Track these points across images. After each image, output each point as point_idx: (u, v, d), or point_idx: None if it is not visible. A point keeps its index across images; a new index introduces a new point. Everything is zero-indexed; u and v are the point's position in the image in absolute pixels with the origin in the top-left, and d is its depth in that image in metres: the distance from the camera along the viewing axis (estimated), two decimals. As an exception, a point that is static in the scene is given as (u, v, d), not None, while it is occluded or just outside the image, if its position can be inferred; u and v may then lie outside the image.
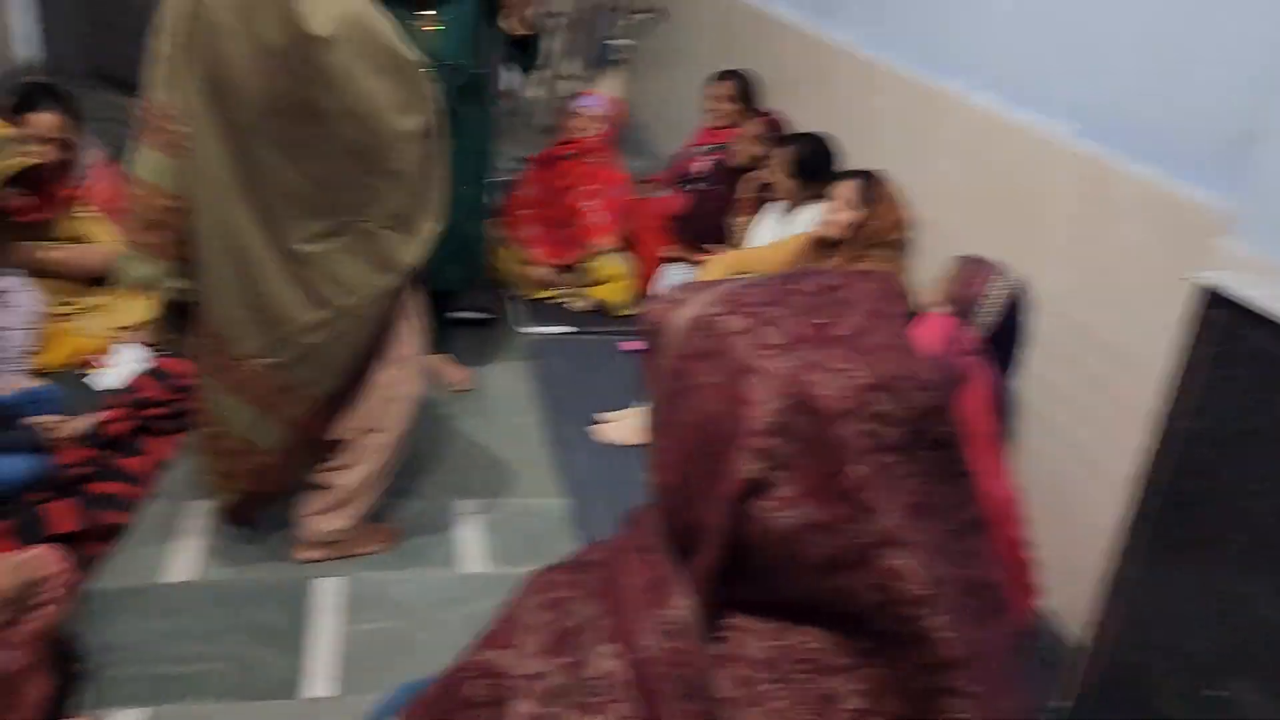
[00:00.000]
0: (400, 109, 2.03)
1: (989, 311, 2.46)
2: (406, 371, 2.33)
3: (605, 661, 0.86)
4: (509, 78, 5.58)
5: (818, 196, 3.36)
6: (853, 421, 0.80)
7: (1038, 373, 2.49)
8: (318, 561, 2.47)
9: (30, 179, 2.99)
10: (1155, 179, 2.16)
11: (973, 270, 2.52)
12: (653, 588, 0.88)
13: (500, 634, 0.99)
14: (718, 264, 3.39)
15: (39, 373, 3.06)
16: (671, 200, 4.40)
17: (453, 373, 3.38)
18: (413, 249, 2.13)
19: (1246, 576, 1.66)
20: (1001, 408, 2.40)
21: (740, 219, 3.80)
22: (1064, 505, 2.38)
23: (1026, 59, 2.63)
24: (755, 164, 3.83)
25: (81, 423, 2.73)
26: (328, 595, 2.39)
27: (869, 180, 3.00)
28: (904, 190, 3.04)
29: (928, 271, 2.91)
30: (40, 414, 2.68)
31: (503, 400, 3.37)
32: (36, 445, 2.54)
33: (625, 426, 3.15)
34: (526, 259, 4.04)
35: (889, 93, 3.28)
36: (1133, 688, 1.88)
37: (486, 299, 3.88)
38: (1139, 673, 1.88)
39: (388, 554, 2.55)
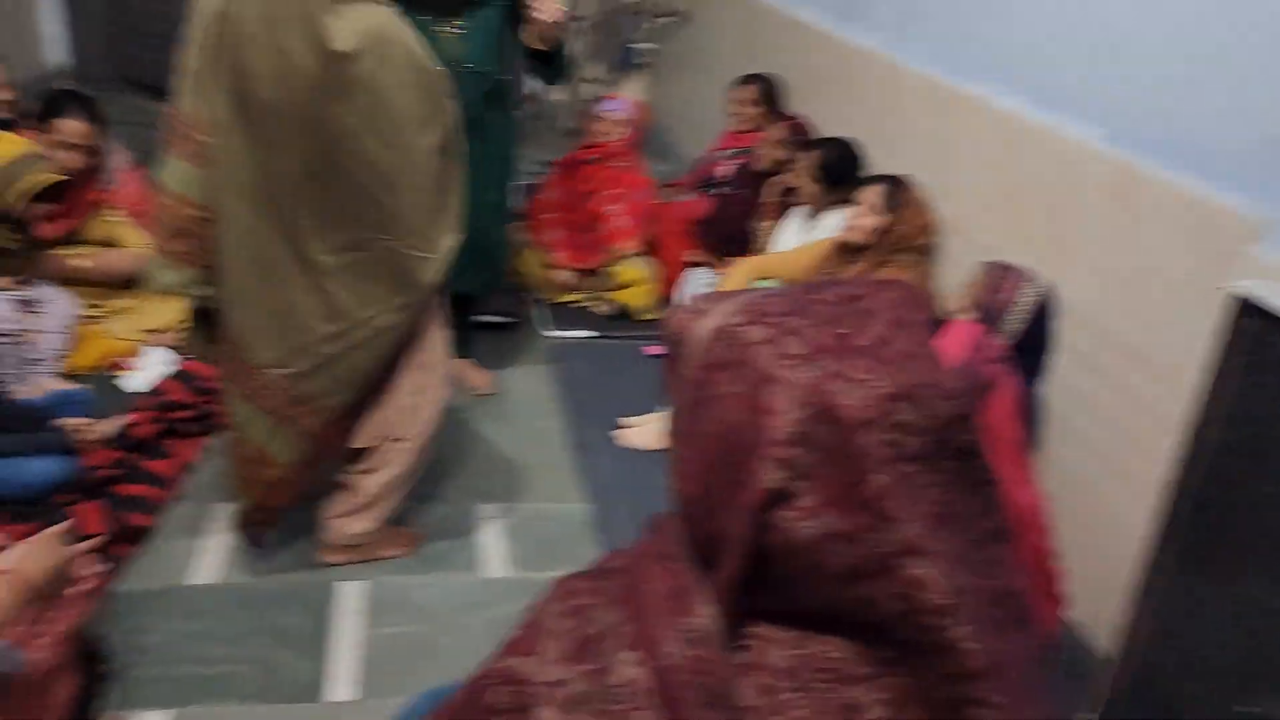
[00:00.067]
0: (421, 125, 2.05)
1: (1016, 318, 2.45)
2: (432, 377, 2.34)
3: (628, 669, 0.87)
4: (533, 82, 5.62)
5: (842, 201, 3.36)
6: (874, 431, 0.80)
7: (1064, 380, 2.48)
8: (341, 565, 2.48)
9: (57, 187, 3.04)
10: (1185, 185, 2.15)
11: (1000, 276, 2.51)
12: (675, 596, 0.89)
13: (522, 641, 1.00)
14: (741, 269, 3.39)
15: (68, 375, 3.11)
16: (695, 204, 4.40)
17: (475, 376, 3.40)
18: (432, 267, 2.15)
19: (1278, 588, 1.64)
20: (1028, 415, 2.39)
21: (764, 223, 3.80)
22: (1091, 513, 2.37)
23: (1055, 62, 2.62)
24: (779, 168, 3.83)
25: (109, 425, 2.76)
26: (350, 599, 2.41)
27: (894, 185, 2.99)
28: (929, 195, 3.03)
29: (954, 278, 2.90)
30: (69, 416, 2.72)
31: (525, 404, 3.38)
32: (65, 447, 2.58)
33: (648, 431, 3.16)
34: (550, 263, 4.06)
35: (914, 96, 3.28)
36: (1160, 700, 1.87)
37: (510, 303, 3.90)
38: (1167, 685, 1.86)
39: (410, 558, 2.57)
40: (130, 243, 3.41)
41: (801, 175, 3.45)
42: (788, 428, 0.80)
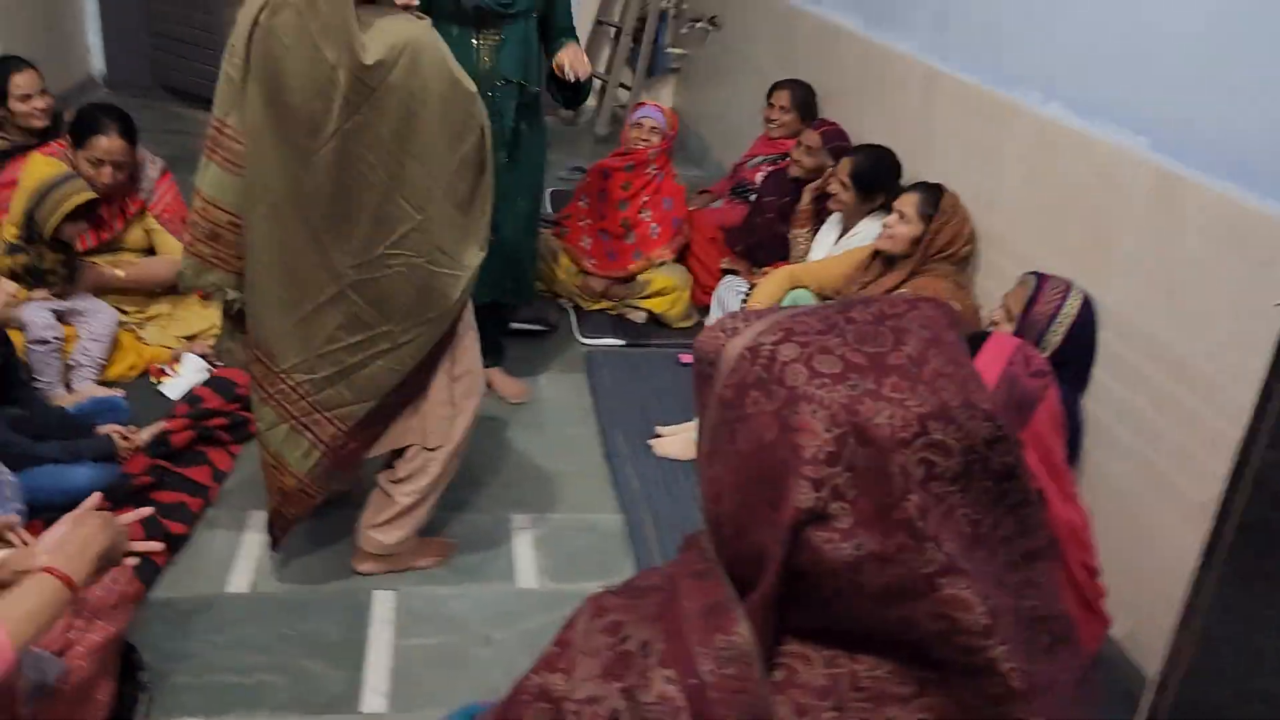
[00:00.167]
0: (453, 139, 2.07)
1: (1057, 330, 2.43)
2: (465, 386, 2.36)
3: (662, 686, 0.87)
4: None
5: (879, 209, 3.35)
6: (909, 451, 0.80)
7: (1106, 392, 2.46)
8: (374, 574, 2.50)
9: (93, 203, 3.10)
10: (1230, 193, 2.12)
11: (1040, 287, 2.49)
12: (710, 613, 0.89)
13: (556, 658, 1.00)
14: (775, 277, 3.38)
15: (106, 382, 3.16)
16: (728, 211, 4.40)
17: (508, 385, 3.42)
18: (458, 283, 2.17)
19: (1328, 609, 1.61)
20: (1070, 429, 2.37)
21: (798, 231, 3.79)
22: (1134, 529, 2.34)
23: (1097, 68, 2.59)
24: (813, 175, 3.82)
25: (146, 432, 2.81)
26: (382, 609, 2.44)
27: (931, 193, 2.97)
28: (967, 203, 3.01)
29: (992, 288, 2.89)
30: (108, 423, 2.77)
31: (558, 413, 3.40)
32: (104, 454, 2.62)
33: (683, 440, 3.16)
34: (583, 270, 4.07)
35: (952, 102, 3.26)
36: (1207, 723, 1.84)
37: (543, 310, 3.92)
38: (1212, 710, 1.83)
39: (442, 568, 2.58)
40: (166, 250, 3.47)
41: (837, 182, 3.44)
42: (820, 447, 0.80)
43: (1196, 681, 1.88)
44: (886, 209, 3.12)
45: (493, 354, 3.35)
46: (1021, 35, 2.94)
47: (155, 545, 1.74)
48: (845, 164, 3.42)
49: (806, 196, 3.78)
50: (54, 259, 3.08)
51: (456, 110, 2.07)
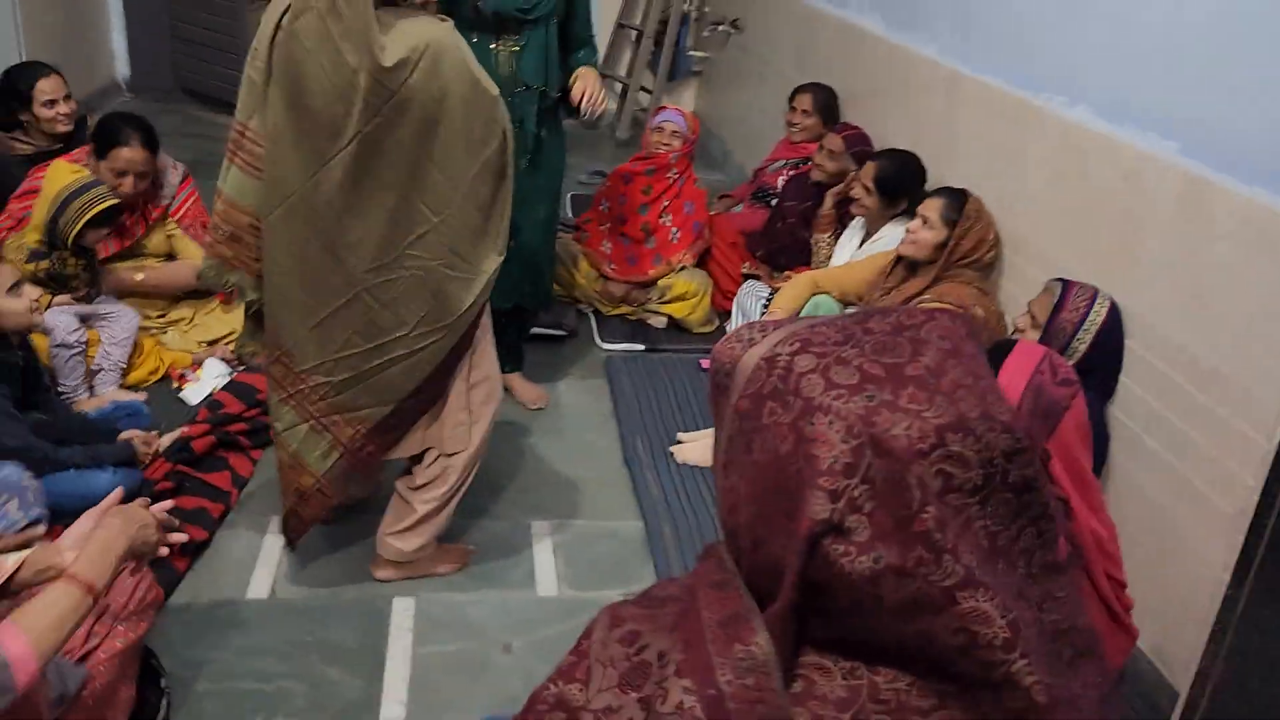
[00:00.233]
0: (473, 144, 2.08)
1: (1083, 338, 2.41)
2: (483, 393, 2.36)
3: (679, 696, 0.87)
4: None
5: (902, 214, 3.33)
6: (926, 462, 0.81)
7: (1134, 401, 2.43)
8: (393, 581, 2.51)
9: (115, 209, 3.13)
10: (1260, 198, 2.10)
11: (1066, 294, 2.46)
12: (729, 623, 0.90)
13: (573, 668, 1.01)
14: (797, 283, 3.36)
15: (128, 386, 3.18)
16: (750, 216, 4.39)
17: (527, 390, 3.42)
18: (473, 289, 2.17)
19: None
20: (1097, 438, 2.34)
21: (820, 235, 3.77)
22: (1163, 541, 2.32)
23: (1124, 71, 2.57)
24: (835, 179, 3.81)
25: (168, 437, 2.83)
26: (401, 616, 2.44)
27: (955, 198, 2.95)
28: (992, 209, 2.99)
29: (1017, 295, 2.86)
30: (129, 427, 2.79)
31: (577, 418, 3.40)
32: (125, 460, 2.64)
33: (704, 447, 3.14)
34: (603, 274, 4.07)
35: (976, 106, 3.24)
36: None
37: (562, 315, 3.92)
38: (1241, 722, 1.81)
39: (461, 575, 2.58)
40: (186, 255, 3.50)
41: (860, 187, 3.43)
42: (837, 458, 0.81)
43: (1227, 697, 1.85)
44: (910, 214, 3.10)
45: (512, 359, 3.35)
46: (1047, 38, 2.92)
47: (182, 536, 1.77)
48: (869, 169, 3.41)
49: (829, 201, 3.77)
50: (76, 264, 3.11)
51: (478, 113, 2.06)
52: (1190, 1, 2.34)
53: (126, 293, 3.36)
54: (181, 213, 3.55)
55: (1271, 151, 2.10)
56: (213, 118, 6.05)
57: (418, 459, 2.37)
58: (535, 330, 3.66)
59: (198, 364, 3.33)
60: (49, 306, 2.99)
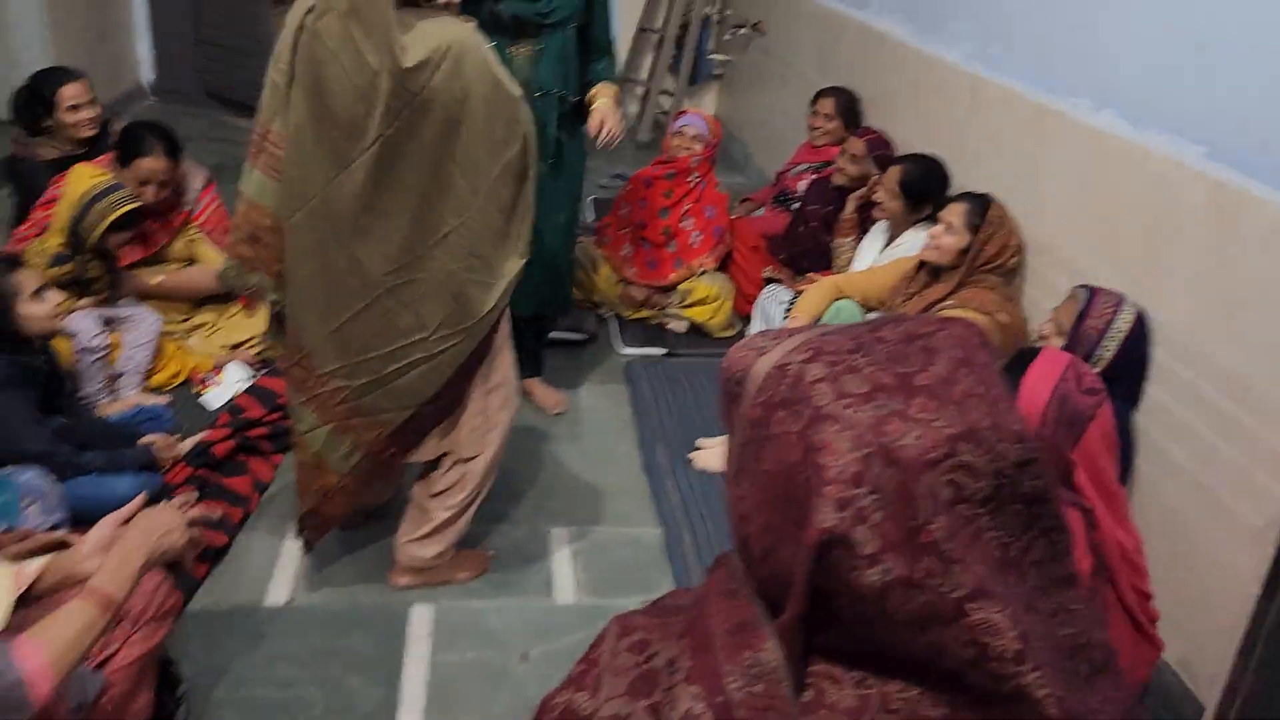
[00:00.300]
0: (495, 146, 2.07)
1: (1109, 345, 2.38)
2: (500, 398, 2.36)
3: (689, 703, 0.87)
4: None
5: (925, 219, 3.30)
6: (935, 472, 0.80)
7: (1160, 411, 2.40)
8: (411, 588, 2.50)
9: (136, 213, 3.14)
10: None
11: (1091, 301, 2.43)
12: (739, 630, 0.90)
13: (583, 676, 1.01)
14: (818, 288, 3.34)
15: (150, 389, 3.20)
16: (771, 219, 4.37)
17: (547, 396, 3.41)
18: (494, 292, 2.18)
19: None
20: (1122, 447, 2.31)
21: (842, 240, 3.75)
22: (1190, 552, 2.29)
23: (1150, 76, 2.54)
24: (857, 183, 3.79)
25: (189, 442, 2.84)
26: (418, 624, 2.44)
27: (979, 203, 2.93)
28: (1016, 214, 2.96)
29: (1041, 301, 2.83)
30: (151, 431, 2.80)
31: (597, 424, 3.39)
32: (146, 464, 2.65)
33: (724, 453, 3.12)
34: (623, 279, 4.06)
35: (999, 111, 3.21)
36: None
37: (582, 320, 3.91)
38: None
39: (480, 582, 2.58)
40: (206, 260, 3.51)
41: (883, 191, 3.40)
42: (845, 467, 0.81)
43: (1256, 711, 1.82)
44: (932, 219, 3.08)
45: (531, 365, 3.35)
46: (1070, 42, 2.89)
47: (217, 538, 1.77)
48: (894, 173, 3.39)
49: (850, 205, 3.75)
50: (98, 268, 3.13)
51: (500, 115, 2.06)
52: (1218, 2, 2.31)
53: (148, 296, 3.38)
54: (204, 218, 3.57)
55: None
56: (237, 122, 6.09)
57: (434, 464, 2.37)
58: (554, 335, 3.66)
59: (219, 368, 3.35)
60: (72, 311, 3.01)
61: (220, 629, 2.37)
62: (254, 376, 3.31)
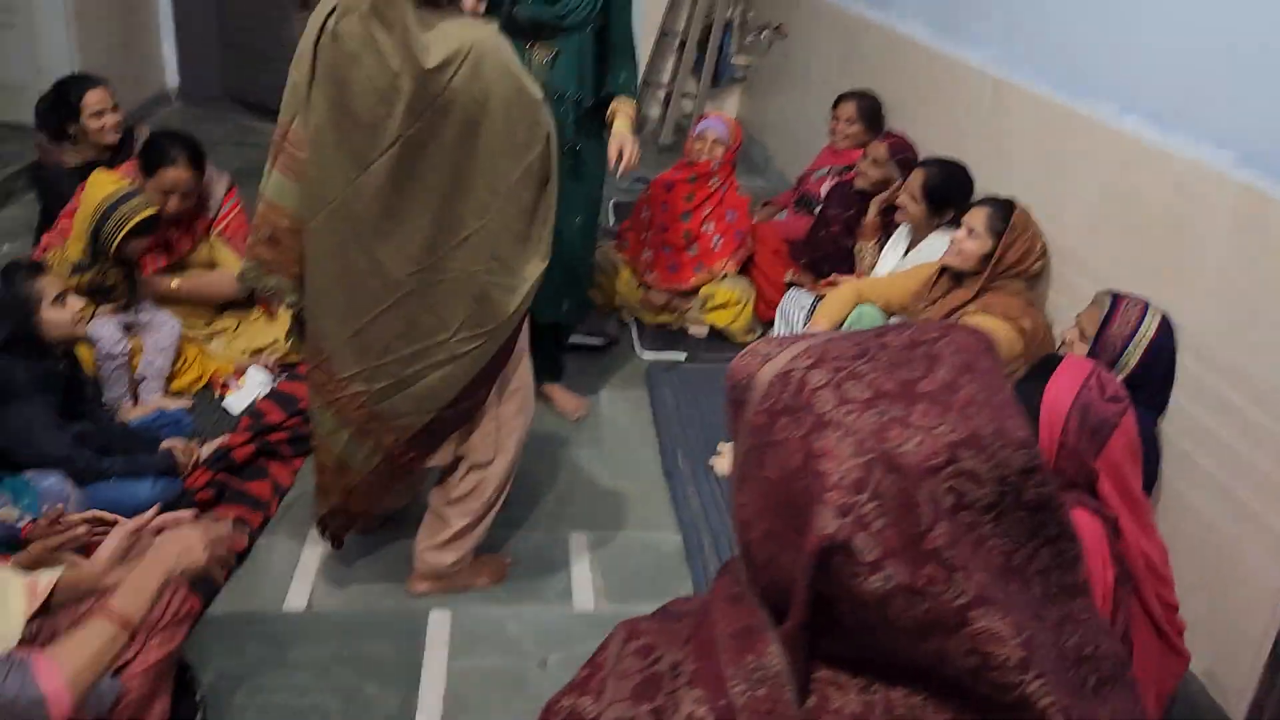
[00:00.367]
0: (516, 148, 2.08)
1: (1134, 352, 2.35)
2: (516, 403, 2.37)
3: (691, 707, 0.87)
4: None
5: (948, 224, 3.28)
6: (937, 479, 0.80)
7: (1186, 419, 2.38)
8: (429, 594, 2.50)
9: (155, 218, 3.17)
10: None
11: (1116, 307, 2.41)
12: (743, 635, 0.90)
13: (587, 680, 1.02)
14: (840, 292, 3.33)
15: (171, 394, 3.22)
16: (793, 223, 4.36)
17: (567, 401, 3.41)
18: (515, 295, 2.18)
19: None
20: (1147, 455, 2.28)
21: (864, 244, 3.73)
22: (1216, 563, 2.26)
23: (1177, 79, 2.52)
24: (879, 187, 3.77)
25: (209, 447, 2.85)
26: (436, 630, 2.45)
27: (1002, 208, 2.91)
28: (1040, 219, 2.93)
29: (1064, 305, 2.81)
30: (171, 436, 2.82)
31: (618, 429, 3.39)
32: (166, 469, 2.66)
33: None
34: (644, 283, 4.05)
35: (1023, 114, 3.19)
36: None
37: (602, 324, 3.91)
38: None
39: (499, 588, 2.58)
40: (226, 265, 3.53)
41: (906, 195, 3.38)
42: (846, 473, 0.81)
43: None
44: (955, 224, 3.06)
45: (551, 370, 3.35)
46: (1097, 46, 2.87)
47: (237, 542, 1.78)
48: (917, 176, 3.37)
49: (873, 209, 3.73)
50: (118, 275, 3.15)
51: (521, 117, 2.06)
52: (1245, 5, 2.28)
53: (167, 300, 3.40)
54: (225, 224, 3.59)
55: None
56: (261, 126, 6.14)
57: (450, 470, 2.37)
58: (574, 340, 3.66)
59: (240, 373, 3.37)
60: (93, 317, 3.03)
61: (238, 634, 2.39)
62: (275, 381, 3.32)
